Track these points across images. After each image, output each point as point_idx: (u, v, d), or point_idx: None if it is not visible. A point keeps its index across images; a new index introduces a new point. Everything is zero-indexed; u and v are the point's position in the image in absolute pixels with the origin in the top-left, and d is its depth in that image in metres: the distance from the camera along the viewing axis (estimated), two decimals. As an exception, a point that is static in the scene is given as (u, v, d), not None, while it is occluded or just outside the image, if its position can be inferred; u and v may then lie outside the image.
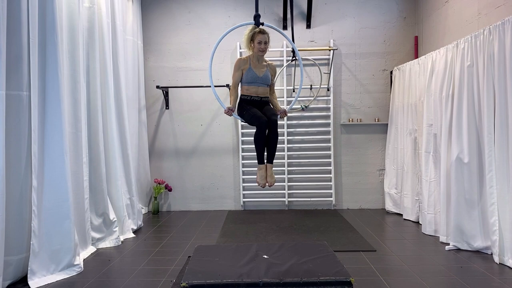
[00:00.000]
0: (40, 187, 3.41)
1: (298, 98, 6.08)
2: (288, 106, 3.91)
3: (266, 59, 3.50)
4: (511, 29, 3.37)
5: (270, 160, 3.34)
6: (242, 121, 3.55)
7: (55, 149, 3.52)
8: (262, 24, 3.32)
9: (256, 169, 6.15)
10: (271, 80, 3.49)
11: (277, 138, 3.35)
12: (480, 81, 3.84)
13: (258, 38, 3.31)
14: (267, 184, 3.33)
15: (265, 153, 3.33)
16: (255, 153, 3.34)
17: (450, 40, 4.78)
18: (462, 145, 4.00)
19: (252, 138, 6.00)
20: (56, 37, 3.52)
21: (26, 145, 3.34)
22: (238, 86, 3.39)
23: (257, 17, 3.28)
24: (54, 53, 3.51)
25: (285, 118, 6.00)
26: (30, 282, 3.24)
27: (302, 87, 5.98)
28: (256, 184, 6.11)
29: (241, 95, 3.43)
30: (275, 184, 5.96)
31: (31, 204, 3.33)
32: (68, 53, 3.89)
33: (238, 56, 5.99)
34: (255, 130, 3.27)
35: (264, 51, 3.35)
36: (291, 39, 3.90)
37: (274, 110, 3.41)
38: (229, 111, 3.26)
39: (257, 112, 3.28)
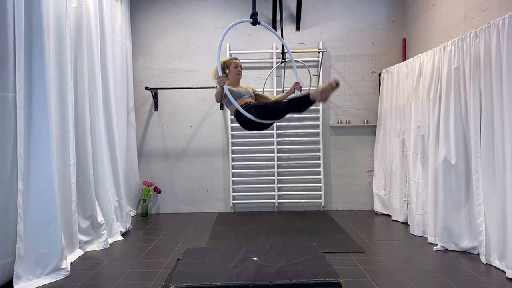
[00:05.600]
0: (26, 190, 3.35)
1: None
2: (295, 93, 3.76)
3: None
4: (497, 32, 3.43)
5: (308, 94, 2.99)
6: (252, 118, 3.19)
7: (42, 151, 3.47)
8: (259, 23, 3.34)
9: (247, 170, 6.21)
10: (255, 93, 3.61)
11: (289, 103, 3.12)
12: (466, 83, 3.89)
13: (234, 64, 3.57)
14: (334, 81, 2.83)
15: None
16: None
17: (437, 43, 4.84)
18: (449, 147, 4.05)
19: (242, 140, 6.10)
20: (42, 38, 3.47)
21: (11, 147, 3.28)
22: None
23: (254, 15, 3.29)
24: (40, 54, 3.46)
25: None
26: (15, 287, 3.18)
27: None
28: (246, 186, 6.15)
29: (235, 110, 3.37)
30: (265, 185, 6.04)
31: (17, 207, 3.27)
32: (55, 54, 3.84)
33: (228, 56, 5.97)
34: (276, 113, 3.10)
35: (241, 74, 3.60)
36: (283, 41, 3.93)
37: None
38: (220, 79, 3.11)
39: (265, 103, 3.24)
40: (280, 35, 3.94)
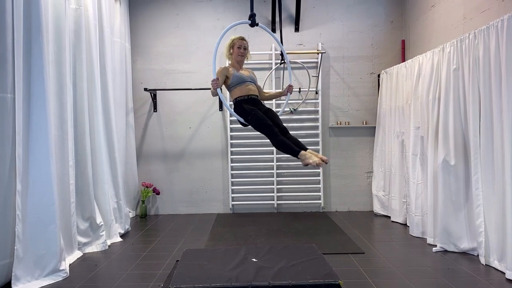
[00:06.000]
0: (24, 191, 3.34)
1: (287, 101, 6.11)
2: (280, 110, 4.03)
3: (244, 67, 3.73)
4: (495, 33, 3.43)
5: (304, 148, 3.20)
6: (242, 121, 3.43)
7: (40, 152, 3.46)
8: (257, 24, 3.37)
9: (246, 171, 6.20)
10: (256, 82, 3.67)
11: (291, 136, 3.36)
12: (465, 84, 3.89)
13: (238, 44, 3.57)
14: (322, 160, 3.03)
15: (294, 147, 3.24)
16: (285, 151, 3.22)
17: (436, 44, 4.85)
18: (449, 148, 4.05)
19: (242, 141, 6.08)
20: (41, 39, 3.46)
21: (10, 148, 3.28)
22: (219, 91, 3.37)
23: (253, 16, 3.31)
24: (39, 55, 3.45)
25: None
26: (14, 288, 3.17)
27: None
28: (245, 187, 6.15)
29: (236, 98, 3.46)
30: (264, 187, 6.03)
31: (15, 209, 3.26)
32: (54, 55, 3.83)
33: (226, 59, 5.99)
34: (269, 139, 3.28)
35: (243, 55, 3.59)
36: (280, 43, 3.96)
37: (278, 118, 3.46)
38: (214, 82, 3.20)
39: (265, 119, 3.26)
40: (279, 36, 3.95)
